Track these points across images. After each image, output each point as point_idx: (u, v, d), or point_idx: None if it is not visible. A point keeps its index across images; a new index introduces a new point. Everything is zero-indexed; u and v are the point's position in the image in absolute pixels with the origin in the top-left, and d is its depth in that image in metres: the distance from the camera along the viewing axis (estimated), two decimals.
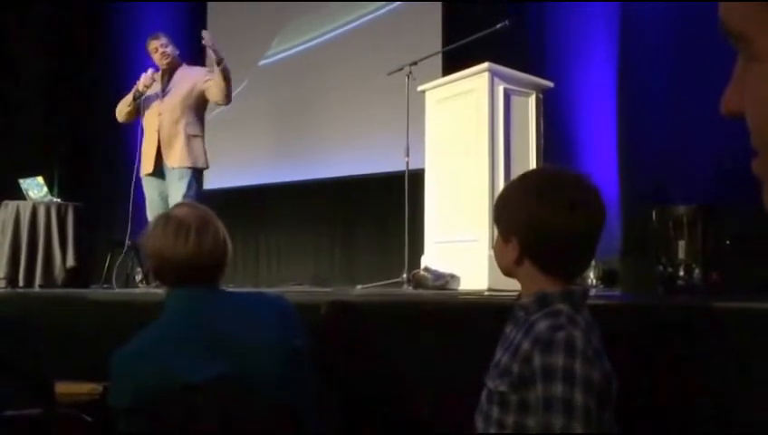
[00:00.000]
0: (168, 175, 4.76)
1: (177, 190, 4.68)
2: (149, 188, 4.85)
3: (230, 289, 2.04)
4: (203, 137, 4.91)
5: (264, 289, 4.52)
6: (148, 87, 4.79)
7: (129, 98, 4.88)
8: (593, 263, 4.71)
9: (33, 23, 8.18)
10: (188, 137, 4.77)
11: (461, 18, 5.92)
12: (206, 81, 4.82)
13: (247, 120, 7.14)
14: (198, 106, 4.90)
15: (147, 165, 4.79)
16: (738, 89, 0.55)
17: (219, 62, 4.63)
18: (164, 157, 4.73)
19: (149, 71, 4.81)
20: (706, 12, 0.56)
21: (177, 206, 2.00)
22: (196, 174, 4.85)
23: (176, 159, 4.72)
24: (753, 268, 2.32)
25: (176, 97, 4.78)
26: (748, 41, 0.53)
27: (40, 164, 6.84)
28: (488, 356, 1.50)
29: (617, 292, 3.21)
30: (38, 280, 5.28)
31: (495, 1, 5.66)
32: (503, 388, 1.38)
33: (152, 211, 4.79)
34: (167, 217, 1.85)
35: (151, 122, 4.81)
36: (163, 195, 4.79)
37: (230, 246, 1.88)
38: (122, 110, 4.96)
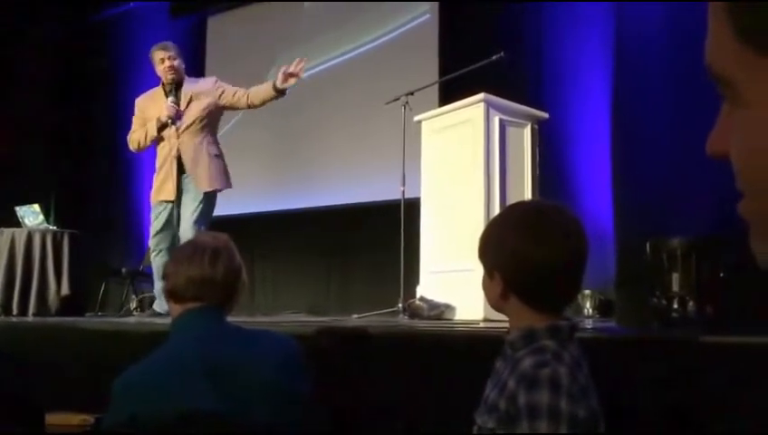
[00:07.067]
0: (190, 196, 4.53)
1: (189, 210, 4.48)
2: (164, 212, 4.57)
3: (236, 323, 2.04)
4: (223, 156, 4.70)
5: (259, 318, 4.50)
6: (171, 118, 4.49)
7: (151, 131, 4.58)
8: (589, 293, 4.71)
9: (32, 50, 8.23)
10: (212, 157, 4.58)
11: (458, 49, 5.97)
12: (220, 91, 4.65)
13: (243, 148, 7.14)
14: (214, 122, 4.72)
15: (168, 191, 4.54)
16: (723, 132, 0.55)
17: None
18: (194, 180, 4.51)
19: (170, 101, 4.51)
20: (702, 44, 0.56)
21: (200, 234, 2.19)
22: (212, 196, 4.61)
23: (205, 182, 4.52)
24: (749, 301, 2.32)
25: (192, 117, 4.56)
26: (735, 88, 0.52)
27: (36, 192, 6.84)
28: (480, 390, 1.49)
29: (611, 323, 3.20)
30: (32, 308, 5.24)
31: (492, 32, 5.72)
32: (491, 424, 1.37)
33: (161, 237, 4.58)
34: (188, 242, 2.15)
35: (167, 146, 4.58)
36: (174, 219, 4.54)
37: (245, 275, 2.00)
38: (139, 141, 4.68)
